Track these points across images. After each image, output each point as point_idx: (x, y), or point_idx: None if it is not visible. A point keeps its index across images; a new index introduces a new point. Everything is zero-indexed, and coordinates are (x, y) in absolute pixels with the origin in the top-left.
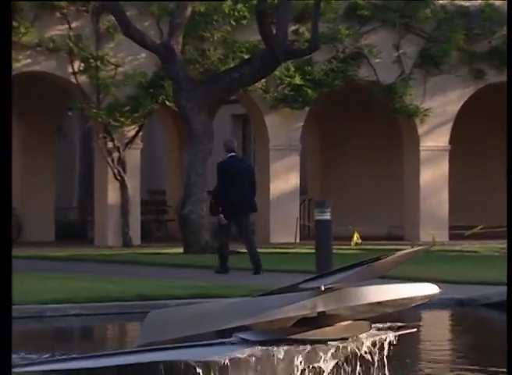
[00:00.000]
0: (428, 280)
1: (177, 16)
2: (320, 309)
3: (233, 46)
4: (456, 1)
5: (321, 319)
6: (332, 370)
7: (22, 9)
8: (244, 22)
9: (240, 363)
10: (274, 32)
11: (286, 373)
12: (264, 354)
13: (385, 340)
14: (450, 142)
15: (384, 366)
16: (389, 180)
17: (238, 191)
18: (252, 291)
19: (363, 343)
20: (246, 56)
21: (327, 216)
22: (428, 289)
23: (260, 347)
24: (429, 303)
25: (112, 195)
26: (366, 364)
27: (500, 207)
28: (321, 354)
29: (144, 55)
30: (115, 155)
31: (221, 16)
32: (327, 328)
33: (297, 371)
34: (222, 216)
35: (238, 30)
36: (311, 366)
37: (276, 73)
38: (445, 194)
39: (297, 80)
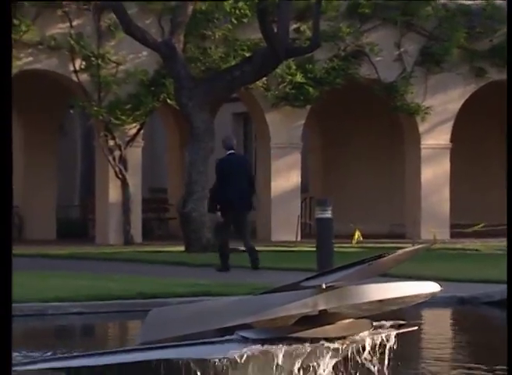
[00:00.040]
0: (429, 278)
1: (178, 14)
2: (321, 307)
3: (235, 44)
4: (457, 0)
5: (323, 318)
6: (333, 369)
7: (23, 7)
8: (245, 20)
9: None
10: (275, 30)
11: (287, 371)
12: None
13: (387, 338)
14: (451, 140)
15: (385, 365)
16: (391, 179)
17: (236, 188)
18: (253, 289)
19: (364, 341)
20: (247, 54)
21: (328, 214)
22: (430, 287)
23: (261, 345)
24: (431, 301)
25: (114, 193)
26: (367, 362)
27: (501, 205)
28: (322, 352)
29: (145, 53)
30: (117, 153)
31: (222, 14)
32: (328, 326)
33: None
34: (218, 213)
35: (239, 28)
36: (312, 365)
37: (277, 71)
38: (446, 193)
39: (299, 78)
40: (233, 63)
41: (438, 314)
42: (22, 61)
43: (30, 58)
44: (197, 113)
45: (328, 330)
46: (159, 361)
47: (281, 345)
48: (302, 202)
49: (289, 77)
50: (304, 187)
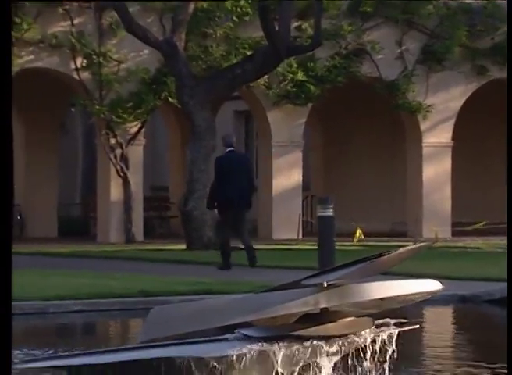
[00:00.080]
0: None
1: (180, 12)
2: (323, 306)
3: (236, 42)
4: None
5: (324, 316)
6: (334, 367)
7: (24, 6)
8: (247, 18)
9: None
10: (277, 28)
11: (288, 369)
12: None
13: (388, 336)
14: (453, 138)
15: (387, 363)
16: (392, 177)
17: (236, 186)
18: (255, 287)
19: (366, 339)
20: (248, 53)
21: (330, 213)
22: (431, 285)
23: (262, 343)
24: (432, 299)
25: (115, 192)
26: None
27: (503, 203)
28: (323, 350)
29: (146, 51)
30: (118, 151)
31: (223, 12)
32: (330, 324)
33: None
34: (215, 211)
35: (241, 27)
36: (313, 362)
37: (279, 69)
38: (448, 191)
39: (300, 77)
40: (235, 61)
41: (439, 312)
42: (23, 59)
43: (32, 57)
44: (199, 111)
45: (330, 328)
46: (160, 359)
47: (281, 344)
48: (303, 200)
49: (291, 75)
50: (306, 185)
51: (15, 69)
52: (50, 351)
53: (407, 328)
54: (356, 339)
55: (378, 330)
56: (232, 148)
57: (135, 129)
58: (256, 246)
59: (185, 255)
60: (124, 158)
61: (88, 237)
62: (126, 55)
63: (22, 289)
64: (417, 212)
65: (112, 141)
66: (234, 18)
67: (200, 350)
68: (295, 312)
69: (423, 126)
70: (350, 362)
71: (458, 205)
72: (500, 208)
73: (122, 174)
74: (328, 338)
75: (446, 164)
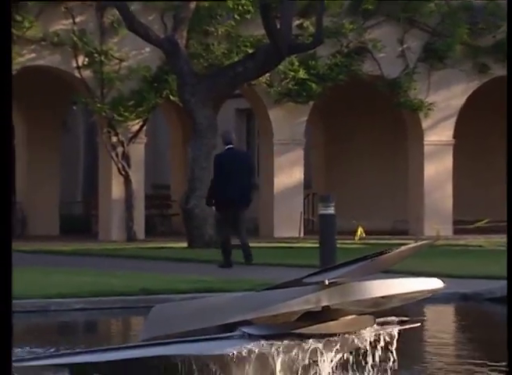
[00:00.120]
0: (432, 274)
1: (181, 10)
2: (324, 304)
3: (237, 40)
4: None
5: (326, 314)
6: (336, 364)
7: (26, 4)
8: (248, 16)
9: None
10: (278, 26)
11: (290, 367)
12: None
13: (389, 334)
14: (455, 136)
15: (388, 361)
16: (394, 175)
17: (235, 184)
18: (256, 285)
19: (367, 337)
20: (250, 51)
21: (331, 211)
22: (433, 283)
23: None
24: (433, 297)
25: (116, 190)
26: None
27: (505, 201)
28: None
29: (148, 49)
30: (120, 149)
31: (225, 10)
32: (331, 322)
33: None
34: (213, 208)
35: (242, 25)
36: (315, 360)
37: (280, 67)
38: (449, 189)
39: (301, 75)
40: (236, 59)
41: (440, 310)
42: (25, 57)
43: (33, 55)
44: (200, 109)
45: (331, 326)
46: (161, 357)
47: (282, 342)
48: (305, 199)
49: (292, 73)
50: (307, 183)
51: (16, 67)
52: (52, 350)
53: (408, 326)
54: (357, 337)
55: (379, 328)
56: (231, 146)
57: (136, 127)
58: (257, 244)
59: (186, 253)
60: (125, 157)
61: (90, 235)
62: (127, 53)
63: (23, 287)
64: (419, 210)
65: (114, 139)
66: (236, 16)
67: (202, 348)
68: (296, 310)
69: (424, 124)
70: (351, 360)
71: (460, 202)
72: (502, 205)
73: (123, 172)
74: (329, 336)
75: (447, 162)
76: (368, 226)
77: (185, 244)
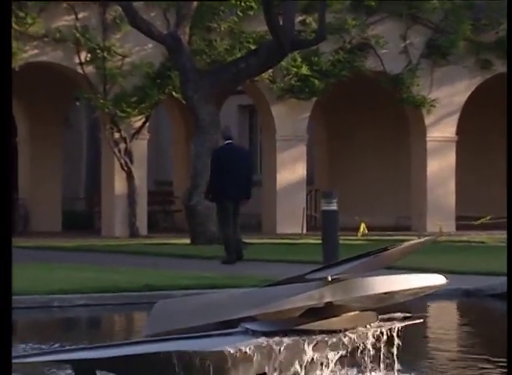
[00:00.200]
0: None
1: (184, 6)
2: (327, 300)
3: (240, 37)
4: None
5: (328, 310)
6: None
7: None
8: (251, 12)
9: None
10: (281, 22)
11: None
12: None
13: (392, 331)
14: (457, 133)
15: (391, 357)
16: (396, 171)
17: (233, 178)
18: (259, 281)
19: (370, 333)
20: (253, 47)
21: (334, 207)
22: (435, 279)
23: (266, 337)
24: (436, 294)
25: (119, 186)
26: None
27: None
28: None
29: (150, 45)
30: (122, 145)
31: (228, 6)
32: (334, 319)
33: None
34: (203, 202)
35: (245, 21)
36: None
37: (283, 63)
38: (452, 185)
39: (304, 71)
40: (239, 56)
41: (443, 306)
42: (27, 53)
43: (36, 51)
44: (203, 106)
45: (334, 322)
46: (165, 353)
47: (285, 338)
48: (307, 195)
49: (295, 70)
50: (310, 179)
51: (19, 63)
52: (54, 345)
53: (410, 322)
54: (360, 333)
55: (382, 324)
56: (230, 141)
57: (139, 123)
58: (260, 240)
59: (189, 249)
60: (128, 153)
61: (92, 231)
62: (130, 49)
63: (26, 283)
64: (422, 206)
65: (116, 135)
66: (238, 12)
67: (205, 344)
68: (299, 307)
69: (427, 120)
70: (354, 356)
71: (462, 199)
72: (505, 202)
73: (126, 168)
74: (332, 333)
75: (450, 158)
76: (370, 223)
77: (188, 241)
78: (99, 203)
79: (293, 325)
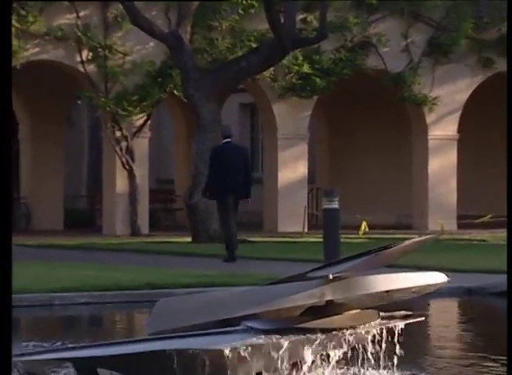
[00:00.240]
0: (436, 268)
1: (185, 5)
2: (328, 298)
3: (241, 35)
4: None
5: (330, 308)
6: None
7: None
8: (252, 11)
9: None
10: (282, 21)
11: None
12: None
13: (393, 329)
14: (459, 131)
15: (392, 355)
16: (398, 169)
17: (231, 176)
18: (260, 279)
19: (371, 332)
20: (254, 45)
21: (335, 205)
22: (437, 278)
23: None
24: (438, 292)
25: (121, 184)
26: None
27: None
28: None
29: (152, 44)
30: (124, 144)
31: (229, 5)
32: (335, 317)
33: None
34: (204, 200)
35: (246, 19)
36: (319, 355)
37: (284, 61)
38: (453, 183)
39: (305, 69)
40: (240, 54)
41: (444, 305)
42: (29, 52)
43: (37, 49)
44: (204, 104)
45: (335, 320)
46: (165, 351)
47: (286, 336)
48: (309, 193)
49: (296, 68)
50: (311, 177)
51: (20, 61)
52: (56, 344)
53: (412, 321)
54: (361, 331)
55: (383, 322)
56: (229, 139)
57: (140, 121)
58: (261, 239)
59: (190, 247)
60: (130, 151)
61: (94, 229)
62: (131, 47)
63: (28, 281)
64: (423, 204)
65: (118, 133)
66: (240, 10)
67: (206, 342)
68: (300, 305)
69: (429, 118)
70: (355, 354)
71: (464, 197)
72: (506, 200)
73: (127, 167)
74: (333, 331)
75: (451, 156)
76: (372, 221)
77: (189, 239)
78: (101, 201)
79: (294, 323)
